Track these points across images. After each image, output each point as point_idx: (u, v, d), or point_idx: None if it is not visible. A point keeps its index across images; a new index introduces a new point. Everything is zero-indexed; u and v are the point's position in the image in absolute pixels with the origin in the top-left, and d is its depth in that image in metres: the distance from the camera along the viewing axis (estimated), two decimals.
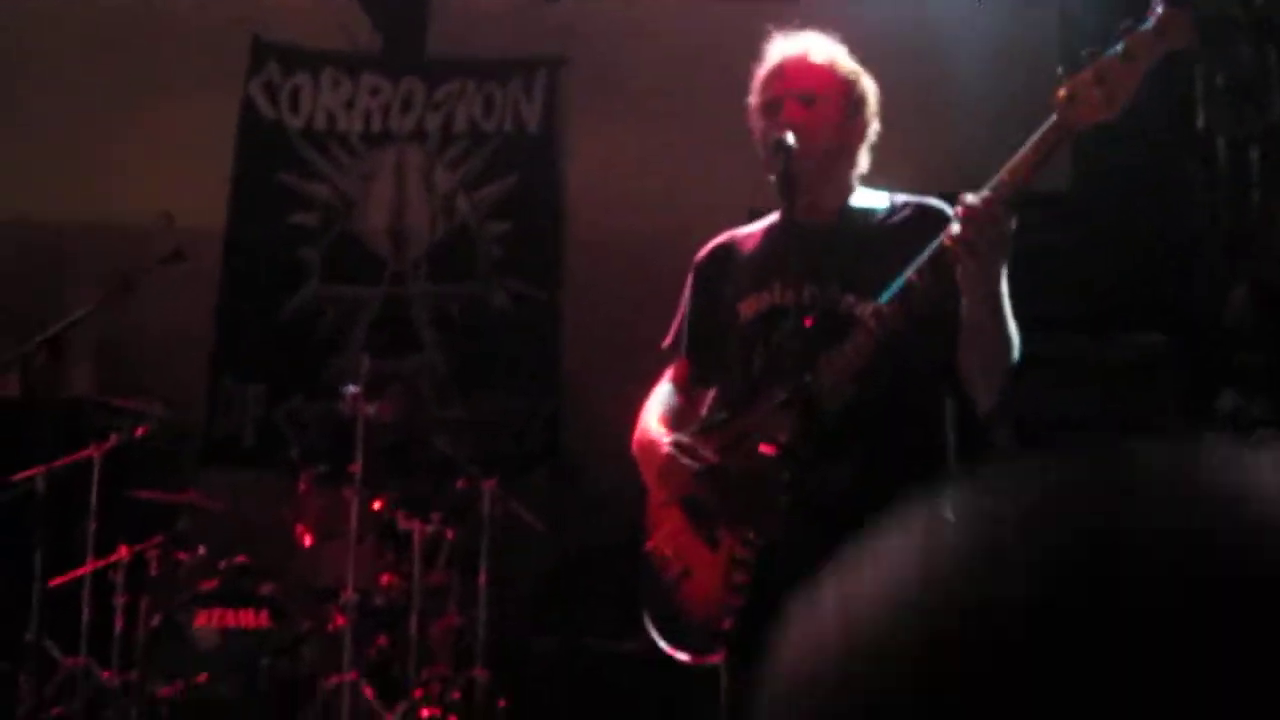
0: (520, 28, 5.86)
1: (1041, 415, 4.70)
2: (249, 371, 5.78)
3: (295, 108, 5.99)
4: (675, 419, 2.60)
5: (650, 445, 2.55)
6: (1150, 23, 2.09)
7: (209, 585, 4.40)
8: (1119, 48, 2.10)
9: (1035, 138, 2.16)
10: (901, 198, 2.53)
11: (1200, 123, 5.07)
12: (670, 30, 5.71)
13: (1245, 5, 4.73)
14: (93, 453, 4.36)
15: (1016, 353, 2.32)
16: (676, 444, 2.48)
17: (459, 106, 5.96)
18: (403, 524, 4.57)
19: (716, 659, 2.39)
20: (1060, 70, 2.14)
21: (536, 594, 5.26)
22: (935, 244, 2.22)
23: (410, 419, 4.80)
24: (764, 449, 2.26)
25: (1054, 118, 2.14)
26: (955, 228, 2.18)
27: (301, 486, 4.62)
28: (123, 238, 5.11)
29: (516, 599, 4.95)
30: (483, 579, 4.55)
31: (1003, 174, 2.18)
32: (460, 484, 4.69)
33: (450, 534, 4.66)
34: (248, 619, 4.35)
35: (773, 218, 2.59)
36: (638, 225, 5.47)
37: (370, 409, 4.44)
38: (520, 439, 5.63)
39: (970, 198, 2.18)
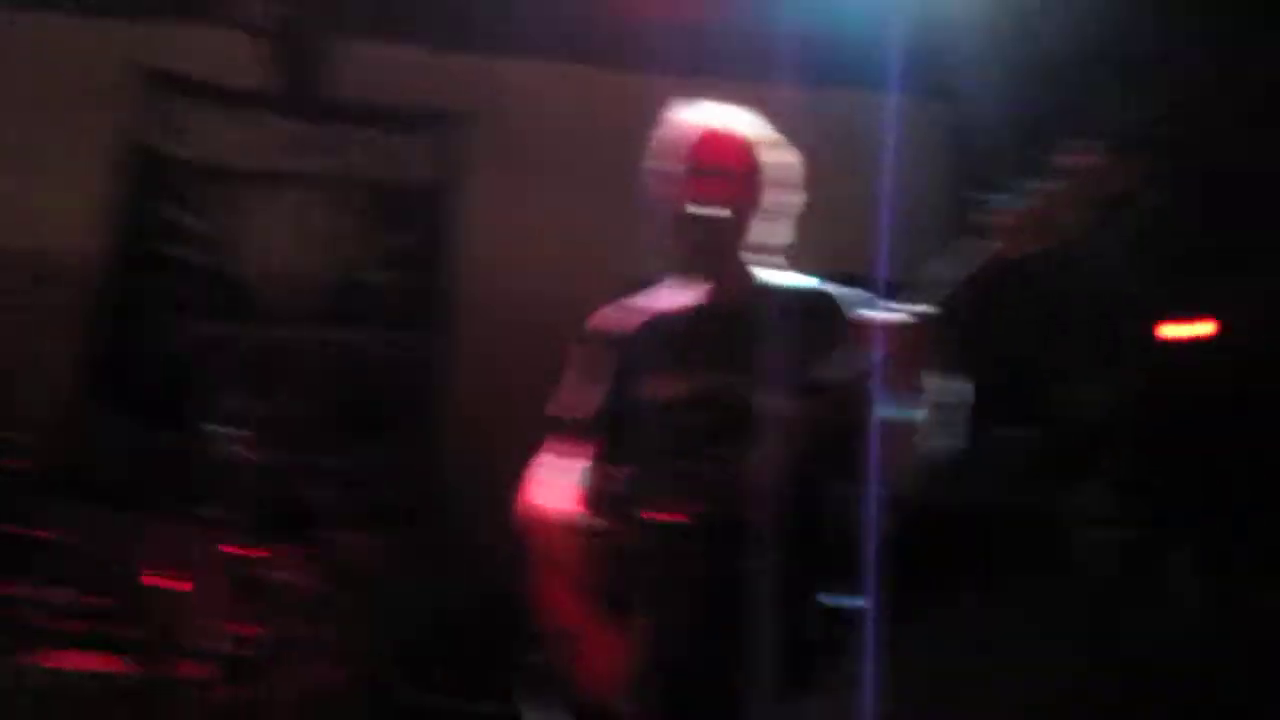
0: (424, 80, 5.82)
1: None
2: (118, 407, 5.59)
3: (183, 140, 5.86)
4: (577, 495, 2.55)
5: (547, 519, 2.50)
6: (1088, 165, 2.12)
7: (63, 626, 4.21)
8: (1062, 186, 2.13)
9: (978, 261, 2.16)
10: (815, 283, 2.51)
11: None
12: (574, 95, 5.74)
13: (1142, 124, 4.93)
14: None
15: (938, 443, 2.34)
16: (578, 519, 2.44)
17: (354, 152, 5.89)
18: (268, 572, 4.44)
19: None
20: (989, 199, 2.17)
21: (407, 649, 5.14)
22: (855, 344, 2.22)
23: (282, 464, 4.69)
24: (675, 517, 2.24)
25: (998, 245, 2.15)
26: (874, 331, 2.19)
27: (164, 528, 4.47)
28: None
29: (385, 654, 4.83)
30: (351, 633, 4.43)
31: (937, 294, 2.18)
32: (331, 533, 4.59)
33: (318, 584, 4.54)
34: (102, 664, 4.17)
35: (682, 294, 2.54)
36: (529, 284, 5.45)
37: (239, 451, 4.33)
38: (397, 489, 5.53)
39: (893, 318, 2.19)
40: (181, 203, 5.83)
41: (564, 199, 5.58)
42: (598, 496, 2.52)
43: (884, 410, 2.28)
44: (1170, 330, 5.33)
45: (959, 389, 2.31)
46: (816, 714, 2.32)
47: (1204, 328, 5.23)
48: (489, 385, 5.33)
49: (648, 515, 2.37)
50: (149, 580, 4.42)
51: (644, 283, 2.69)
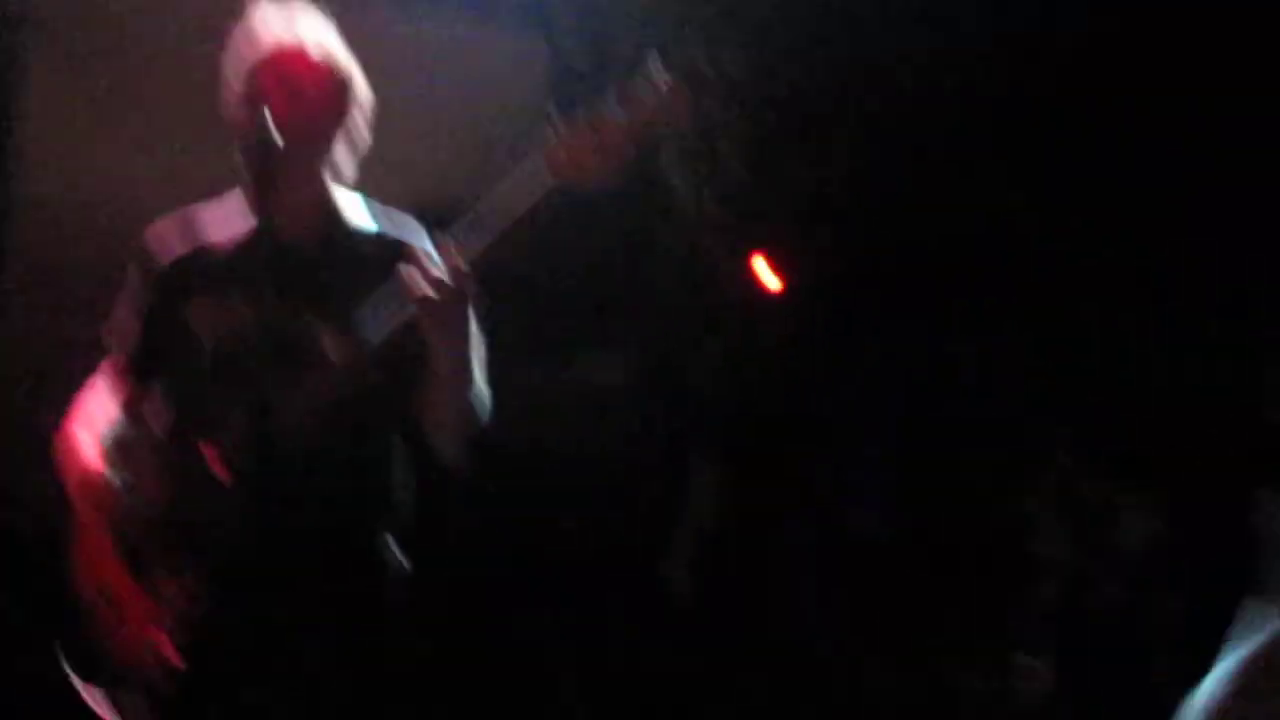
0: None
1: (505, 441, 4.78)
2: None
3: None
4: (115, 429, 2.34)
5: (77, 457, 2.27)
6: (655, 92, 2.07)
7: None
8: (619, 113, 2.07)
9: (521, 189, 2.10)
10: (387, 219, 2.40)
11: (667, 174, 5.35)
12: None
13: (717, 67, 5.05)
14: None
15: (485, 409, 2.29)
16: (109, 460, 2.23)
17: None
18: None
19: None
20: (551, 113, 2.10)
21: None
22: (395, 287, 2.12)
23: None
24: (206, 449, 2.08)
25: (547, 177, 2.09)
26: (414, 285, 2.09)
27: None
28: None
29: None
30: None
31: (480, 221, 2.11)
32: None
33: None
34: None
35: (241, 213, 2.36)
36: (95, 195, 5.01)
37: None
38: None
39: (426, 261, 2.10)
40: None
41: (134, 98, 5.14)
42: (129, 440, 2.31)
43: (437, 359, 2.21)
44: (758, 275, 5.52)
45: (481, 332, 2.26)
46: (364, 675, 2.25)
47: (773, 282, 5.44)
48: (45, 298, 4.88)
49: (183, 460, 2.19)
50: None
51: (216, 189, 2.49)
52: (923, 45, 4.85)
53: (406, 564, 2.31)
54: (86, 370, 2.48)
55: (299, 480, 2.13)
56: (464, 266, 2.07)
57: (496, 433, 4.61)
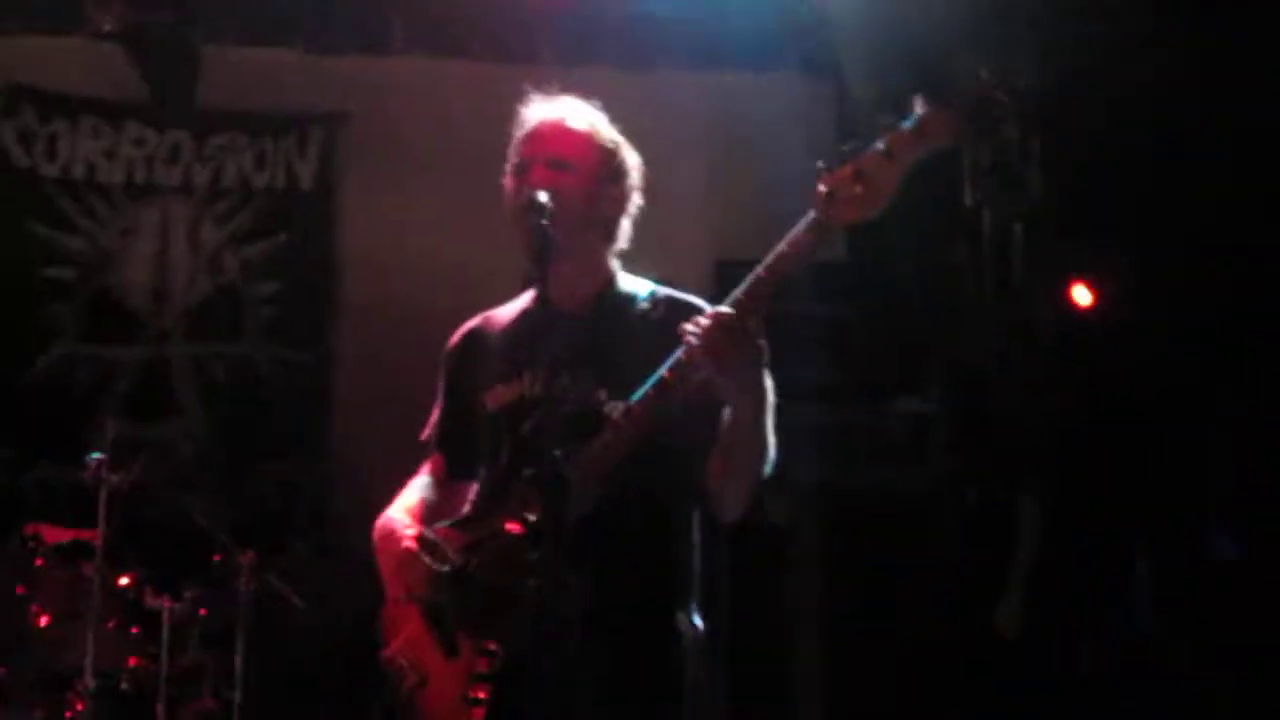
0: (297, 83, 5.66)
1: (817, 482, 4.74)
2: None
3: (51, 155, 5.65)
4: (428, 513, 2.44)
5: (390, 536, 2.38)
6: (910, 122, 2.04)
7: None
8: (880, 145, 2.04)
9: (795, 233, 2.08)
10: (664, 291, 2.41)
11: (968, 200, 5.22)
12: (453, 93, 5.60)
13: (1009, 89, 4.90)
14: None
15: (770, 463, 2.25)
16: (420, 539, 2.32)
17: (229, 160, 5.71)
18: (150, 601, 4.28)
19: None
20: (821, 164, 2.08)
21: (295, 675, 4.98)
22: (682, 349, 2.12)
23: (161, 488, 4.52)
24: (510, 527, 2.12)
25: (813, 214, 2.08)
26: (693, 338, 2.08)
27: (38, 560, 4.29)
28: None
29: (274, 681, 4.67)
30: (238, 660, 4.28)
31: (760, 271, 2.10)
32: (216, 557, 4.43)
33: (203, 611, 4.38)
34: None
35: (527, 298, 2.45)
36: (413, 290, 5.31)
37: (116, 477, 4.17)
38: (284, 509, 5.37)
39: (710, 311, 2.10)
40: (55, 221, 5.62)
41: (446, 199, 5.43)
42: (436, 515, 2.41)
43: (726, 414, 2.18)
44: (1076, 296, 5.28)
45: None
46: None
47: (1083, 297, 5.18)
48: (376, 394, 5.18)
49: (488, 538, 2.25)
50: (35, 618, 4.25)
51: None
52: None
53: (701, 628, 2.28)
54: (413, 465, 2.61)
55: (595, 549, 2.13)
56: (754, 321, 2.06)
57: (809, 479, 4.60)
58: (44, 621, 4.25)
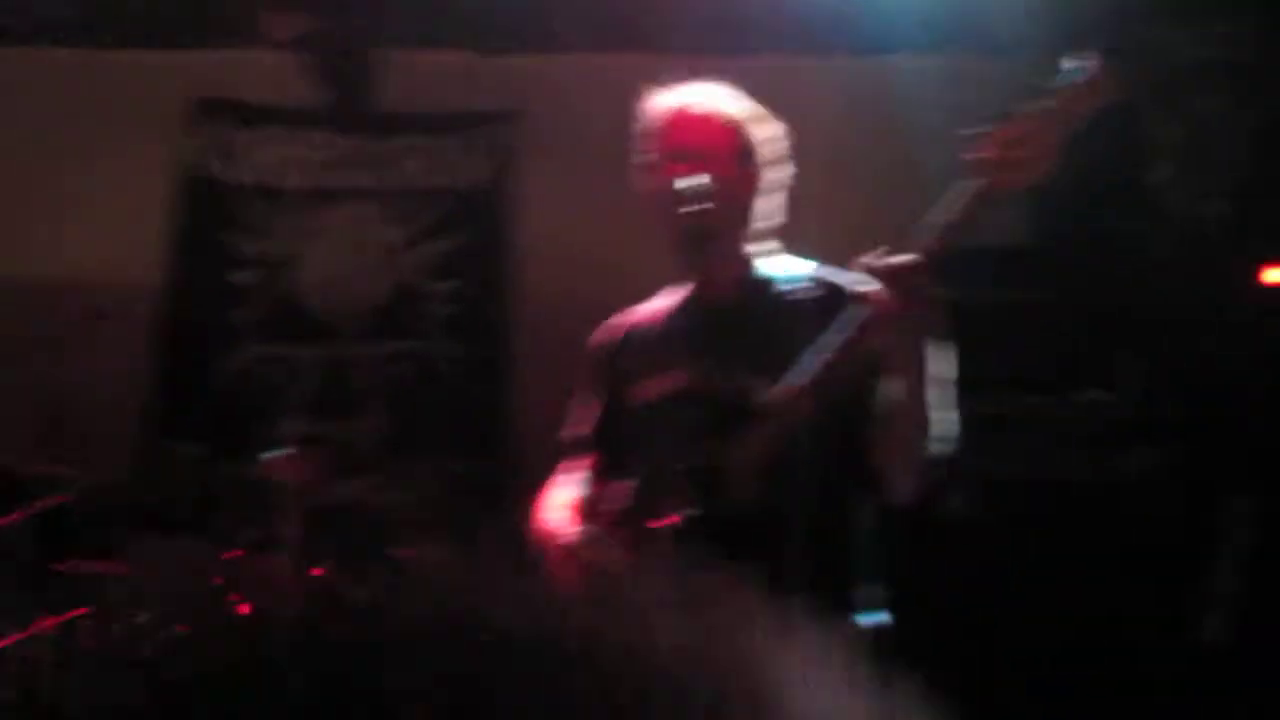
0: (471, 82, 5.74)
1: (1001, 474, 4.58)
2: (184, 435, 5.58)
3: (237, 164, 5.85)
4: (587, 509, 2.40)
5: (549, 538, 2.35)
6: (1080, 76, 1.94)
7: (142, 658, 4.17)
8: (1041, 103, 1.95)
9: (962, 200, 1.99)
10: (812, 269, 2.34)
11: (1152, 178, 5.00)
12: (627, 85, 5.59)
13: (1204, 59, 4.67)
14: (12, 521, 4.18)
15: (935, 440, 2.15)
16: (582, 536, 2.30)
17: (406, 162, 5.83)
18: (347, 595, 4.37)
19: None
20: (979, 128, 1.98)
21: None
22: (856, 317, 2.05)
23: (352, 483, 4.63)
24: (669, 521, 2.08)
25: (980, 180, 1.97)
26: (876, 291, 2.00)
27: (236, 554, 4.43)
28: (51, 296, 4.94)
29: None
30: None
31: (928, 239, 2.02)
32: (405, 551, 4.51)
33: (395, 604, 4.46)
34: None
35: (671, 294, 2.42)
36: (590, 285, 5.31)
37: (298, 474, 4.29)
38: (464, 503, 5.44)
39: (893, 260, 2.01)
40: (241, 227, 5.81)
41: (621, 192, 5.41)
42: (594, 511, 2.38)
43: (887, 393, 2.10)
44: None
45: (949, 361, 2.11)
46: None
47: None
48: (554, 389, 5.20)
49: (643, 535, 2.21)
50: (228, 608, 4.39)
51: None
52: None
53: (879, 624, 2.19)
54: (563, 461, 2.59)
55: (755, 540, 2.04)
56: (927, 273, 1.98)
57: (998, 470, 4.46)
58: (245, 611, 4.39)
